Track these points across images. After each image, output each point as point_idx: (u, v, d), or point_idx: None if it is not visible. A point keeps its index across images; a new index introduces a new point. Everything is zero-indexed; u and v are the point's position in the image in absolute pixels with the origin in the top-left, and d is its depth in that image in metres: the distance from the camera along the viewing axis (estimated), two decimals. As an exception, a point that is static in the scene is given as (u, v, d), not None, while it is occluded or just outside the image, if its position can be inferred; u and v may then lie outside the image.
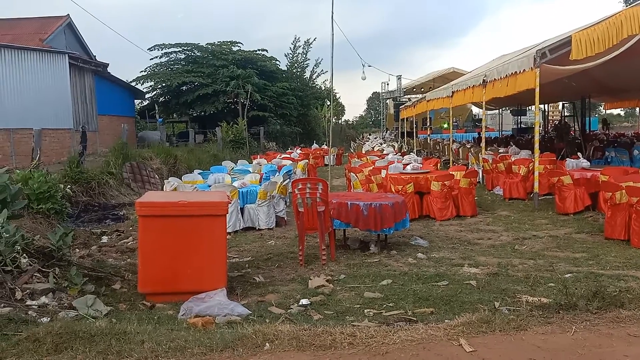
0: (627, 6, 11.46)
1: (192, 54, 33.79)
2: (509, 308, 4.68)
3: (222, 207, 5.32)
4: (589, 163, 10.93)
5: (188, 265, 5.15)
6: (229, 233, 8.17)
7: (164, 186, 9.70)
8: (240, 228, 8.77)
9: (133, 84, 30.70)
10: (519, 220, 9.04)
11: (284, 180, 9.75)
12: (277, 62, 36.60)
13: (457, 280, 5.69)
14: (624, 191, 7.11)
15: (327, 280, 5.77)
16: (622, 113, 53.34)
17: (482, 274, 5.92)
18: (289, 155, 18.81)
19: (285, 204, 9.74)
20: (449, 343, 3.87)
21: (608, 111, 42.43)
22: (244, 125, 27.89)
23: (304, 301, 5.09)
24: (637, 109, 29.63)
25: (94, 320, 4.25)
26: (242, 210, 8.89)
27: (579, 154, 12.08)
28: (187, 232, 5.17)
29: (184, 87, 32.61)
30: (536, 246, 7.25)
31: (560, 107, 31.53)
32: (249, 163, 15.12)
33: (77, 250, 7.12)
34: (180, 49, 33.49)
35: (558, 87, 15.61)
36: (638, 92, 20.49)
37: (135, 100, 31.01)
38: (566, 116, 27.38)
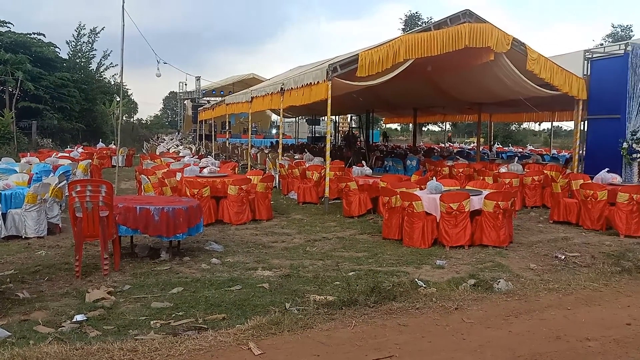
0: (404, 33, 13.09)
1: (-59, 31, 27.94)
2: (299, 308, 4.80)
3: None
4: (371, 171, 12.05)
5: None
6: (-15, 243, 6.87)
7: None
8: (2, 237, 7.46)
9: None
10: (311, 223, 9.51)
11: (59, 182, 8.57)
12: (57, 50, 32.42)
13: (250, 283, 5.66)
14: (398, 196, 8.01)
15: (108, 292, 5.21)
16: (398, 128, 61.06)
17: (275, 276, 6.00)
18: (68, 154, 16.75)
19: (61, 208, 8.59)
20: (239, 348, 3.80)
21: (387, 125, 48.30)
22: (12, 117, 24.09)
23: (78, 317, 4.52)
24: (410, 125, 34.23)
25: None
26: (4, 216, 7.57)
27: (363, 162, 13.25)
28: None
29: None
30: (325, 247, 7.68)
31: (349, 119, 34.82)
32: (16, 162, 13.12)
33: None
34: None
35: (347, 101, 17.11)
36: (410, 110, 23.78)
37: None
38: (354, 128, 30.30)
